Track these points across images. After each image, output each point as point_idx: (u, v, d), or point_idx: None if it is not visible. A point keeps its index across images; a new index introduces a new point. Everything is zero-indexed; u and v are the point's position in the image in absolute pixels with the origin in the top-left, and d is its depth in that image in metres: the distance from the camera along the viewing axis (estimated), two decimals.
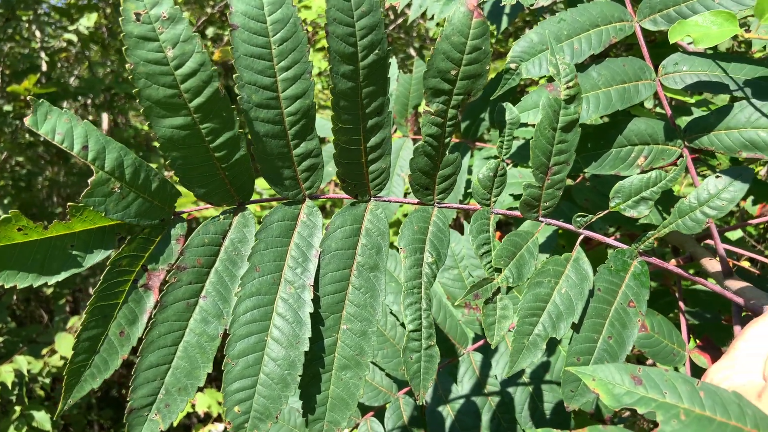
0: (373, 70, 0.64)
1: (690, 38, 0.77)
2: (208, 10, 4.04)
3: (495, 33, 1.24)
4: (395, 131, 1.34)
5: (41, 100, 0.59)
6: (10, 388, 2.29)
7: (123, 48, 0.58)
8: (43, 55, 3.72)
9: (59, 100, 3.13)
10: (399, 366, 1.00)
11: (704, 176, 1.13)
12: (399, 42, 3.77)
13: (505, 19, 1.25)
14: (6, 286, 0.58)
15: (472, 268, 1.06)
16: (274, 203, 0.70)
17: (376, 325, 0.67)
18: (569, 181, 1.23)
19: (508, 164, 0.82)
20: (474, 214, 0.71)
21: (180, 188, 0.68)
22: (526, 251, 0.69)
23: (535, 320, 0.67)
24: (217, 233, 0.67)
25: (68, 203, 0.59)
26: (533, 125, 0.96)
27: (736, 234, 1.60)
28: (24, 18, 3.55)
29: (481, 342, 1.03)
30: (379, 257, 0.69)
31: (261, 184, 1.96)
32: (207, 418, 2.77)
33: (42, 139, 3.48)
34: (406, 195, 1.26)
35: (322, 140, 1.51)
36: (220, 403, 1.78)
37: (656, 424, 0.42)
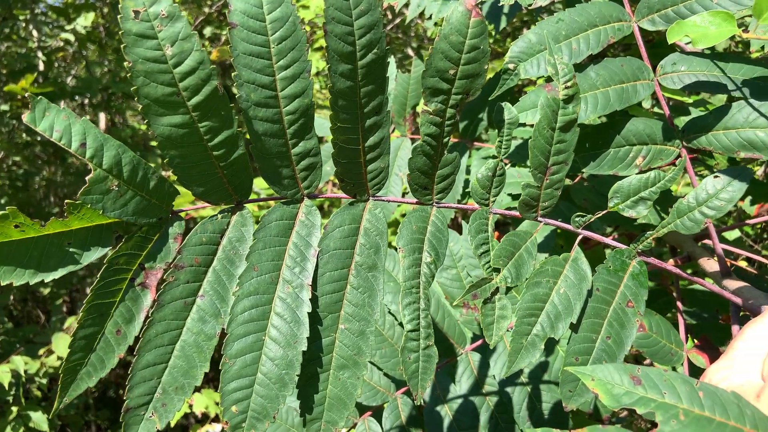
0: (372, 69, 0.63)
1: (688, 38, 0.77)
2: (206, 9, 4.03)
3: (493, 33, 1.24)
4: (393, 131, 1.34)
5: (39, 97, 0.58)
6: (6, 388, 2.28)
7: (121, 46, 0.58)
8: (40, 54, 3.70)
9: (56, 100, 3.11)
10: (397, 366, 1.00)
11: (702, 176, 1.13)
12: (397, 42, 3.77)
13: (503, 19, 1.25)
14: (3, 283, 0.58)
15: (471, 267, 1.06)
16: (272, 202, 0.70)
17: (374, 324, 0.67)
18: (568, 181, 1.23)
19: (506, 164, 0.82)
20: (472, 213, 0.71)
21: (178, 187, 0.68)
22: (524, 251, 0.69)
23: (534, 320, 0.67)
24: (215, 232, 0.67)
25: (66, 201, 0.58)
26: (532, 125, 0.96)
27: (733, 234, 1.60)
28: (21, 17, 3.55)
29: (479, 342, 1.03)
30: (377, 257, 0.68)
31: (259, 184, 1.96)
32: (204, 419, 2.77)
33: (39, 138, 3.47)
34: (404, 195, 1.26)
35: (321, 139, 1.50)
36: (217, 404, 1.78)
37: (655, 425, 0.42)
